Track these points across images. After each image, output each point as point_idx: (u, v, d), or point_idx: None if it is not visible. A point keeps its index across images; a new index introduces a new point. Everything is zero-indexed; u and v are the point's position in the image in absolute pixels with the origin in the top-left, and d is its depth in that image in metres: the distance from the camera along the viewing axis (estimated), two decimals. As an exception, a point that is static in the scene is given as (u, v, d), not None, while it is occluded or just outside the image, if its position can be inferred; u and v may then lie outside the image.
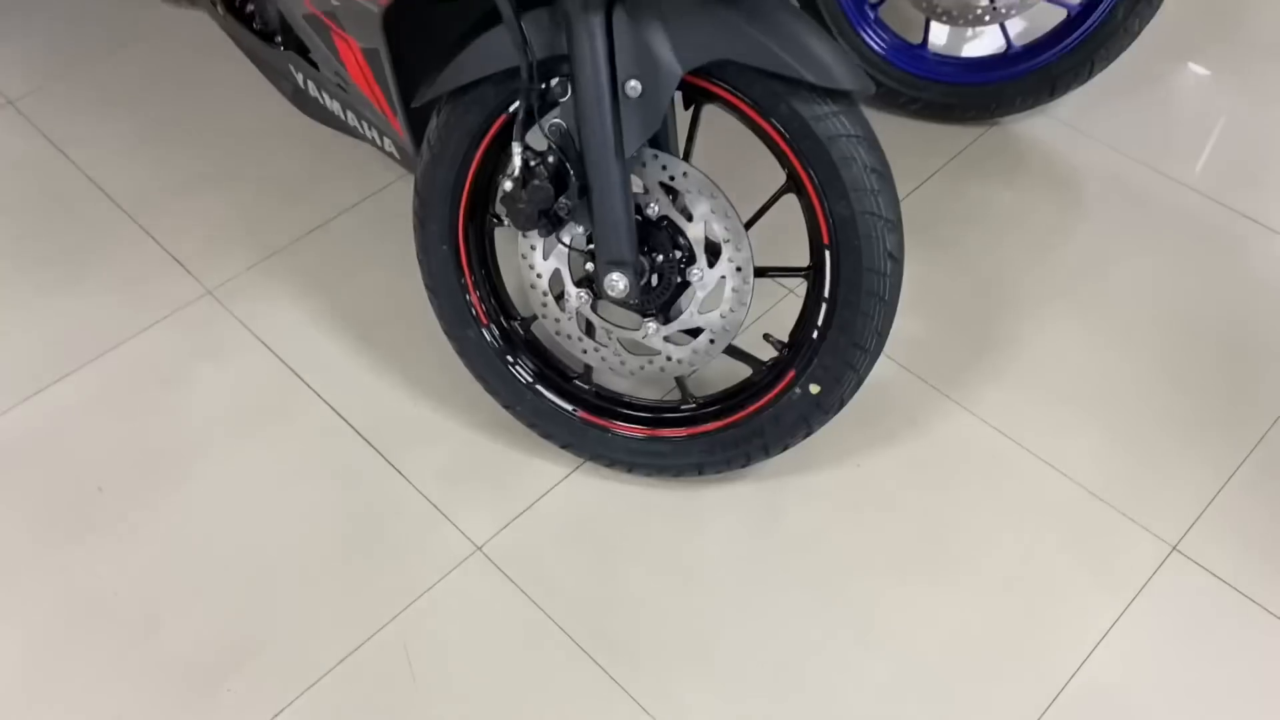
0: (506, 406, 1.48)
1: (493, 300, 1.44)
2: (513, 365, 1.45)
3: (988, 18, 1.82)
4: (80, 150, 1.87)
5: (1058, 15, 1.82)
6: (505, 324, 1.45)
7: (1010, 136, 1.91)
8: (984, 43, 2.01)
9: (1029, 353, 1.60)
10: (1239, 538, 1.40)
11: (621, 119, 1.17)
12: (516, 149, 1.22)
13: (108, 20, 2.09)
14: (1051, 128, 1.92)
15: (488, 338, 1.44)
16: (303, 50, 1.50)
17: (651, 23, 1.13)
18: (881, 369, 1.55)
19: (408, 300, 1.62)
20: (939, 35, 1.94)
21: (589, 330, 1.39)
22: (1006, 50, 1.87)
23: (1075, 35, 1.80)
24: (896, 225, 1.23)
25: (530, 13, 1.17)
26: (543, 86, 1.20)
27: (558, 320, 1.39)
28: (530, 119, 1.21)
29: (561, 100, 1.21)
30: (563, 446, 1.48)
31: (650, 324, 1.34)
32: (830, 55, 1.14)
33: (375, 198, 1.81)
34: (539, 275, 1.36)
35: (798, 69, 1.12)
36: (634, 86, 1.15)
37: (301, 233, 1.75)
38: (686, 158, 1.31)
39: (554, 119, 1.22)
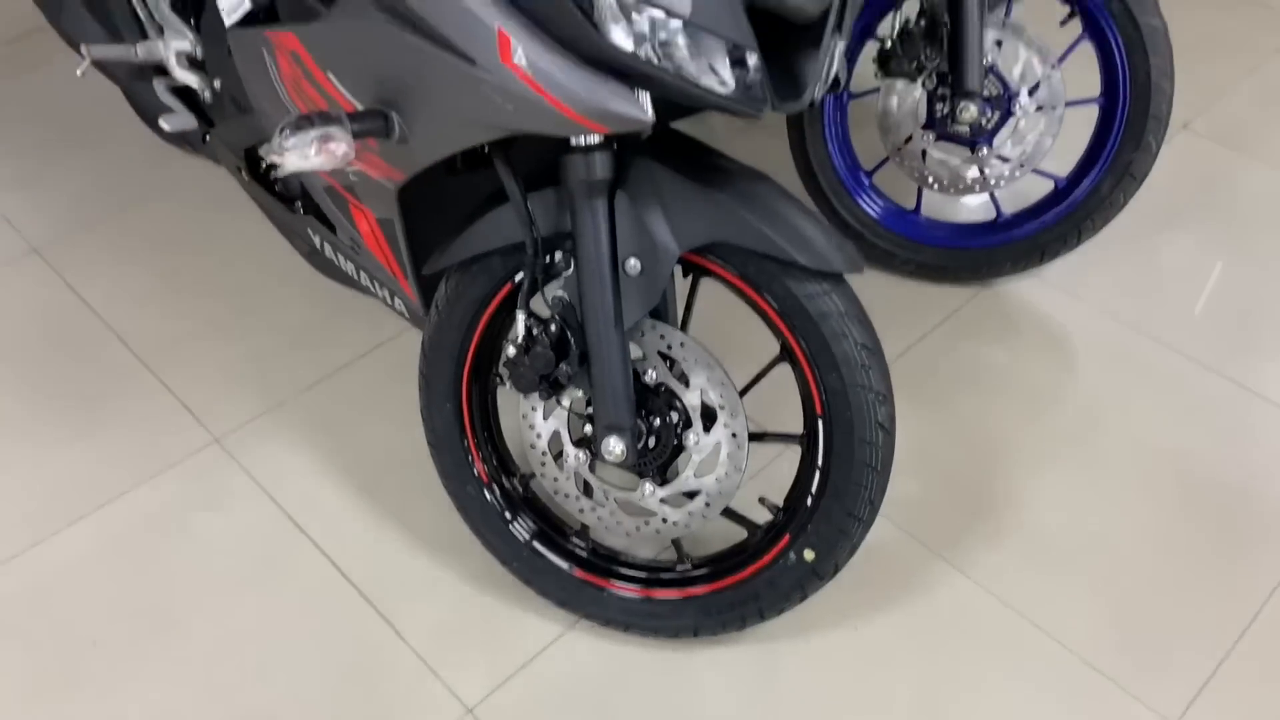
0: (504, 563, 1.49)
1: (494, 458, 1.47)
2: (511, 523, 1.47)
3: (977, 187, 1.90)
4: (100, 298, 1.93)
5: (1046, 185, 1.89)
6: (505, 482, 1.47)
7: (1002, 298, 1.97)
8: (975, 209, 2.09)
9: (1024, 516, 1.61)
10: (1239, 716, 1.38)
11: (621, 294, 1.22)
12: (521, 316, 1.27)
13: (134, 174, 2.18)
14: (1043, 290, 1.97)
15: (488, 496, 1.46)
16: (320, 215, 1.57)
17: (651, 205, 1.19)
18: (878, 530, 1.55)
19: (410, 453, 1.65)
20: (932, 201, 2.02)
21: (587, 490, 1.41)
22: (997, 218, 1.94)
23: (1063, 205, 1.87)
24: (887, 397, 1.26)
25: (537, 192, 1.23)
26: (547, 260, 1.25)
27: (556, 479, 1.41)
28: (534, 289, 1.26)
29: (565, 273, 1.26)
30: (559, 604, 1.48)
31: (647, 485, 1.36)
32: (821, 237, 1.19)
33: (382, 349, 1.85)
34: (539, 435, 1.39)
35: (790, 251, 1.17)
36: (634, 265, 1.20)
37: (310, 382, 1.79)
38: (684, 326, 1.36)
39: (557, 290, 1.27)
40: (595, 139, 1.14)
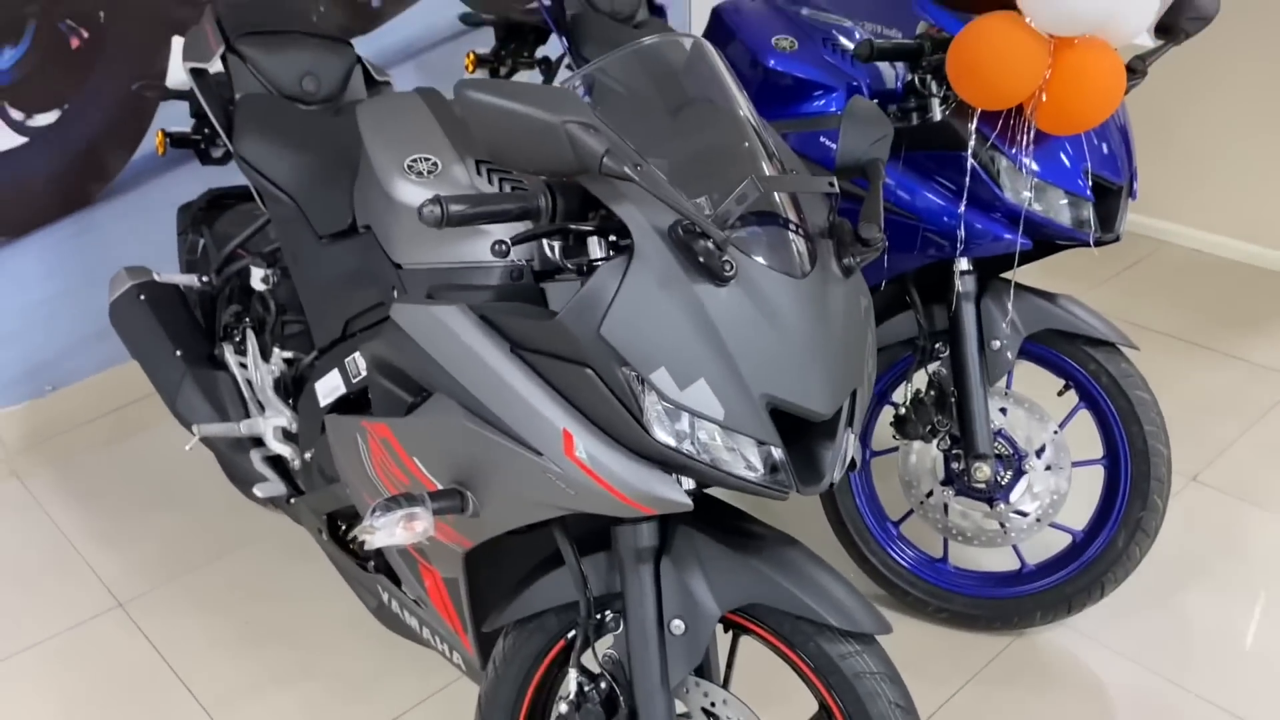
0: None
1: (545, 815, 1.51)
2: None
3: (999, 540, 2.02)
4: (174, 649, 2.05)
5: (1066, 537, 2.01)
6: (555, 840, 1.50)
7: (1035, 648, 2.03)
8: (1002, 559, 2.19)
9: None
10: None
11: (667, 652, 1.32)
12: (573, 674, 1.37)
13: (217, 529, 2.37)
14: (1074, 640, 2.04)
15: None
16: (389, 573, 1.72)
17: (693, 570, 1.32)
18: None
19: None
20: (960, 551, 2.13)
21: None
22: (1021, 569, 2.05)
23: (1083, 559, 1.98)
24: (923, 756, 1.32)
25: (589, 556, 1.37)
26: (599, 617, 1.37)
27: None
28: (586, 646, 1.37)
29: (615, 632, 1.38)
30: None
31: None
32: (850, 600, 1.31)
33: (433, 699, 1.93)
34: (586, 790, 1.44)
35: (821, 613, 1.28)
36: (678, 625, 1.32)
37: (365, 734, 1.86)
38: (726, 683, 1.44)
39: (607, 648, 1.38)
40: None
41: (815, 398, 1.17)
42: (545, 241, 1.26)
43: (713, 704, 1.37)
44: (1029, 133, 1.64)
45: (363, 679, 1.98)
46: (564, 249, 1.25)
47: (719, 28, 2.15)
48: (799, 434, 1.23)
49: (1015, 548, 2.04)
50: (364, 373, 1.67)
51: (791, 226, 1.22)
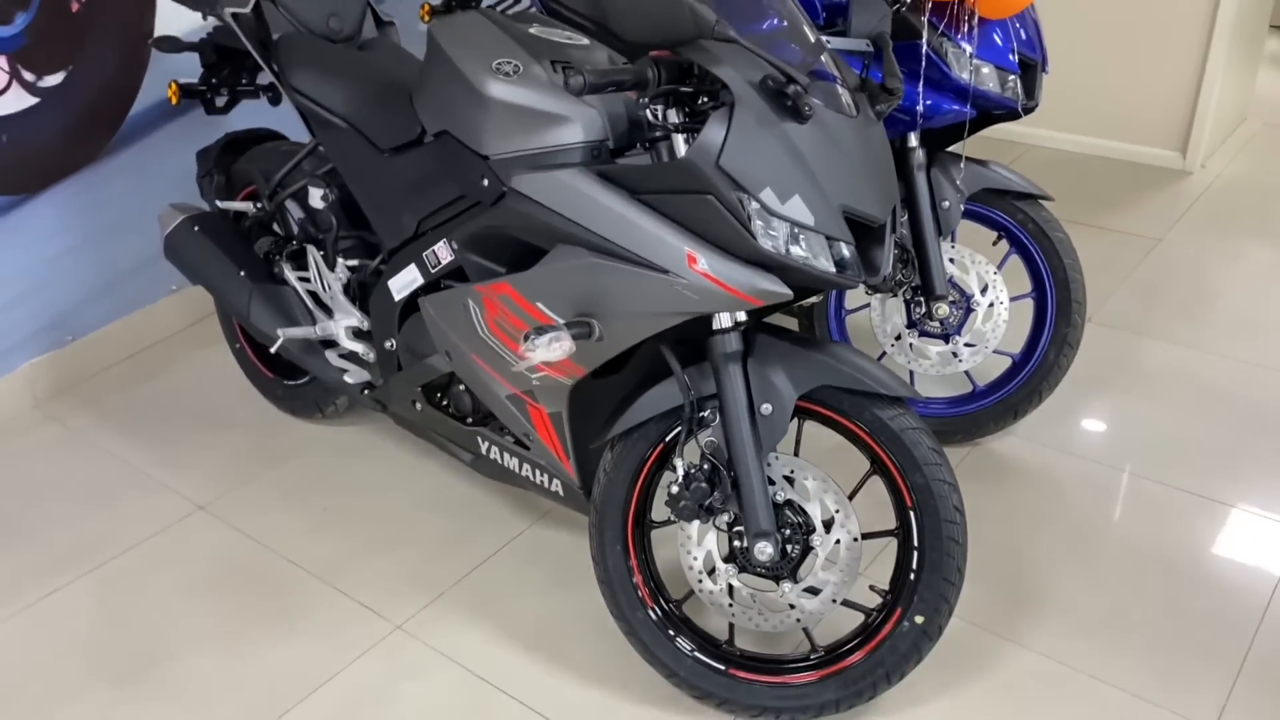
0: (669, 676, 1.84)
1: (653, 585, 1.86)
2: (674, 640, 1.84)
3: (955, 368, 2.47)
4: (267, 535, 2.30)
5: (1006, 361, 2.48)
6: (665, 605, 1.86)
7: (991, 453, 2.49)
8: (957, 384, 2.65)
9: (1054, 602, 2.05)
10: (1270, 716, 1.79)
11: (759, 430, 1.69)
12: (679, 462, 1.73)
13: (262, 443, 2.60)
14: (1021, 444, 2.51)
15: (653, 617, 1.84)
16: (485, 423, 2.04)
17: (773, 365, 1.69)
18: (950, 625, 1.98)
19: (562, 610, 2.02)
20: (923, 381, 2.58)
21: (735, 596, 1.81)
22: (974, 390, 2.50)
23: (1022, 374, 2.45)
24: (957, 487, 1.73)
25: (689, 367, 1.72)
26: (700, 414, 1.73)
27: (711, 592, 1.81)
28: (689, 436, 1.72)
29: (711, 424, 1.73)
30: (719, 705, 1.82)
31: (785, 585, 1.77)
32: (889, 376, 1.70)
33: (518, 540, 2.25)
34: (695, 558, 1.80)
35: (871, 385, 1.67)
36: (766, 408, 1.69)
37: (464, 573, 2.17)
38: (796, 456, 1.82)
39: (708, 437, 1.74)
40: (729, 323, 1.66)
41: (874, 206, 1.56)
42: (650, 109, 1.58)
43: (790, 470, 1.75)
44: (972, 19, 2.07)
45: (445, 538, 2.27)
46: (661, 113, 1.58)
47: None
48: (856, 240, 1.61)
49: (968, 373, 2.50)
50: (445, 260, 1.97)
51: (839, 81, 1.60)
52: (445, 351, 1.97)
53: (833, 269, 1.56)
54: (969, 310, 2.43)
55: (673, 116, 1.58)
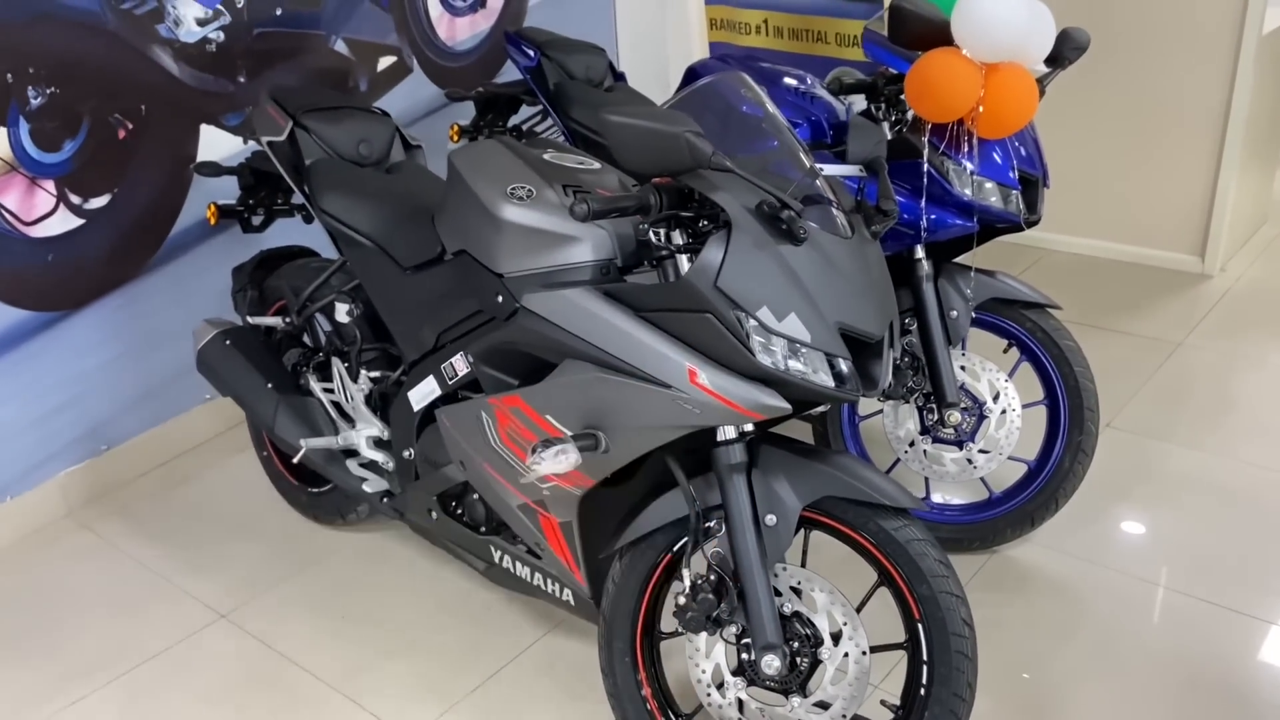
0: (679, 794, 1.82)
1: (662, 699, 1.86)
2: (684, 754, 1.82)
3: (970, 475, 2.47)
4: (285, 645, 2.32)
5: (1021, 468, 2.48)
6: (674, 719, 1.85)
7: (1009, 560, 2.48)
8: (973, 491, 2.65)
9: (1072, 712, 2.01)
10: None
11: (764, 541, 1.71)
12: (686, 573, 1.75)
13: (288, 549, 2.65)
14: (1039, 550, 2.50)
15: (664, 732, 1.83)
16: (499, 534, 2.07)
17: (777, 476, 1.72)
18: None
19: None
20: (939, 488, 2.59)
21: (745, 711, 1.80)
22: (990, 497, 2.50)
23: (1038, 482, 2.45)
24: (965, 600, 1.73)
25: (691, 480, 1.76)
26: (705, 525, 1.75)
27: (720, 706, 1.80)
28: (696, 548, 1.74)
29: (717, 535, 1.76)
30: (729, 823, 1.79)
31: (794, 700, 1.76)
32: (894, 487, 1.72)
33: (528, 653, 2.25)
34: (704, 670, 1.80)
35: (875, 496, 1.69)
36: (770, 519, 1.71)
37: (476, 683, 2.17)
38: (804, 566, 1.83)
39: (714, 548, 1.76)
40: (733, 434, 1.69)
41: (870, 323, 1.61)
42: (651, 233, 1.65)
43: (798, 582, 1.76)
44: (971, 139, 2.14)
45: (464, 647, 2.29)
46: (665, 235, 1.65)
47: (693, 82, 2.61)
48: (857, 354, 1.66)
49: (983, 480, 2.50)
50: (461, 372, 2.03)
51: (833, 204, 1.66)
52: (460, 461, 2.02)
53: (831, 383, 1.60)
54: (982, 417, 2.45)
55: (677, 237, 1.66)
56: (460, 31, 3.75)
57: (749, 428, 1.71)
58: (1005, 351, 2.48)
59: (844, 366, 1.61)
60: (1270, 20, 3.68)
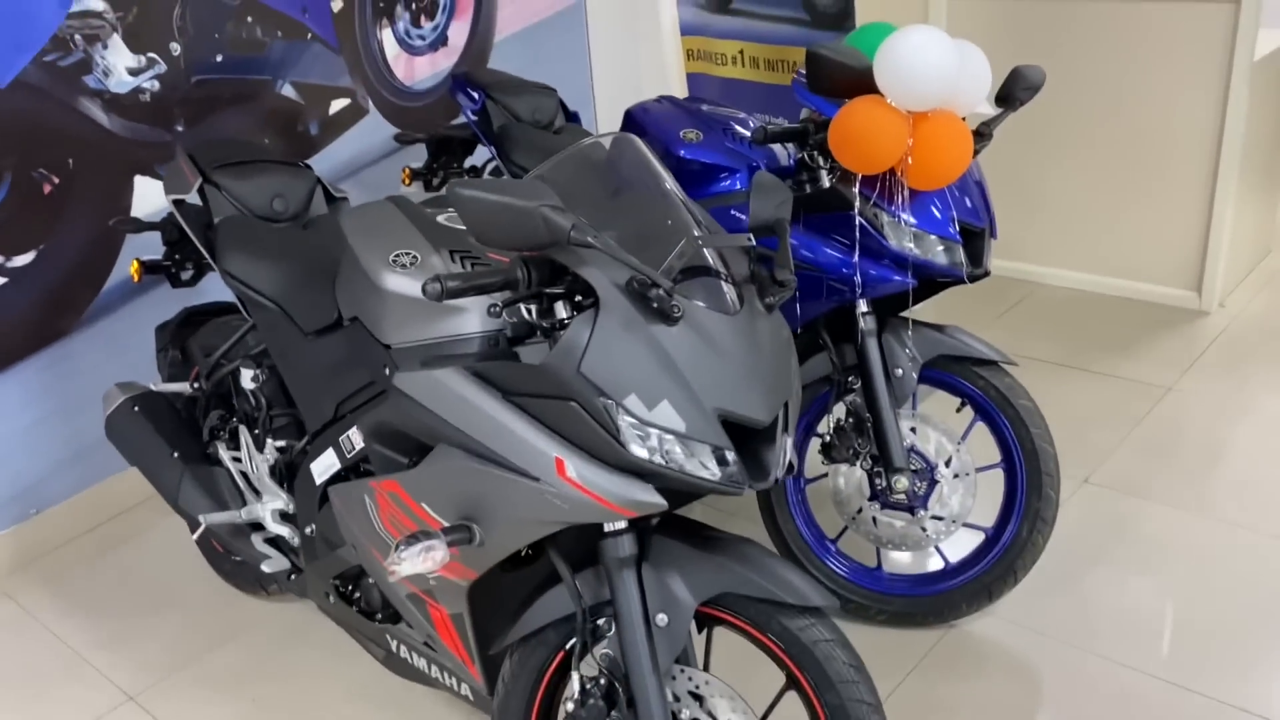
0: None
1: (558, 812, 1.71)
2: None
3: (923, 543, 2.31)
4: (189, 731, 2.20)
5: (979, 535, 2.31)
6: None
7: (966, 636, 2.30)
8: (929, 561, 2.48)
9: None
10: None
11: (655, 643, 1.56)
12: (575, 677, 1.60)
13: (208, 622, 2.53)
14: (998, 625, 2.32)
15: (556, 847, 1.68)
16: (395, 621, 1.93)
17: (670, 570, 1.57)
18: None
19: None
20: (892, 556, 2.42)
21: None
22: (945, 567, 2.33)
23: (995, 551, 2.27)
24: (878, 707, 1.57)
25: (579, 573, 1.61)
26: (594, 624, 1.61)
27: (616, 823, 1.64)
28: (585, 651, 1.60)
29: (609, 635, 1.61)
30: None
31: (694, 816, 1.60)
32: (802, 581, 1.57)
33: (442, 743, 2.12)
34: (599, 782, 1.65)
35: (779, 593, 1.53)
36: (662, 618, 1.56)
37: (381, 780, 2.03)
38: (706, 670, 1.68)
39: (604, 649, 1.61)
40: (623, 524, 1.55)
41: (756, 408, 1.46)
42: (523, 307, 1.53)
43: (697, 686, 1.61)
44: (903, 190, 1.99)
45: (371, 735, 2.15)
46: (538, 311, 1.52)
47: (632, 126, 2.48)
48: (745, 442, 1.51)
49: (938, 548, 2.33)
50: (358, 447, 1.90)
51: (721, 276, 1.52)
52: (352, 544, 1.89)
53: (713, 475, 1.45)
54: (934, 481, 2.29)
55: (561, 310, 1.52)
56: (419, 71, 3.66)
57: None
58: (958, 411, 2.32)
59: (728, 456, 1.46)
60: (1264, 44, 3.49)
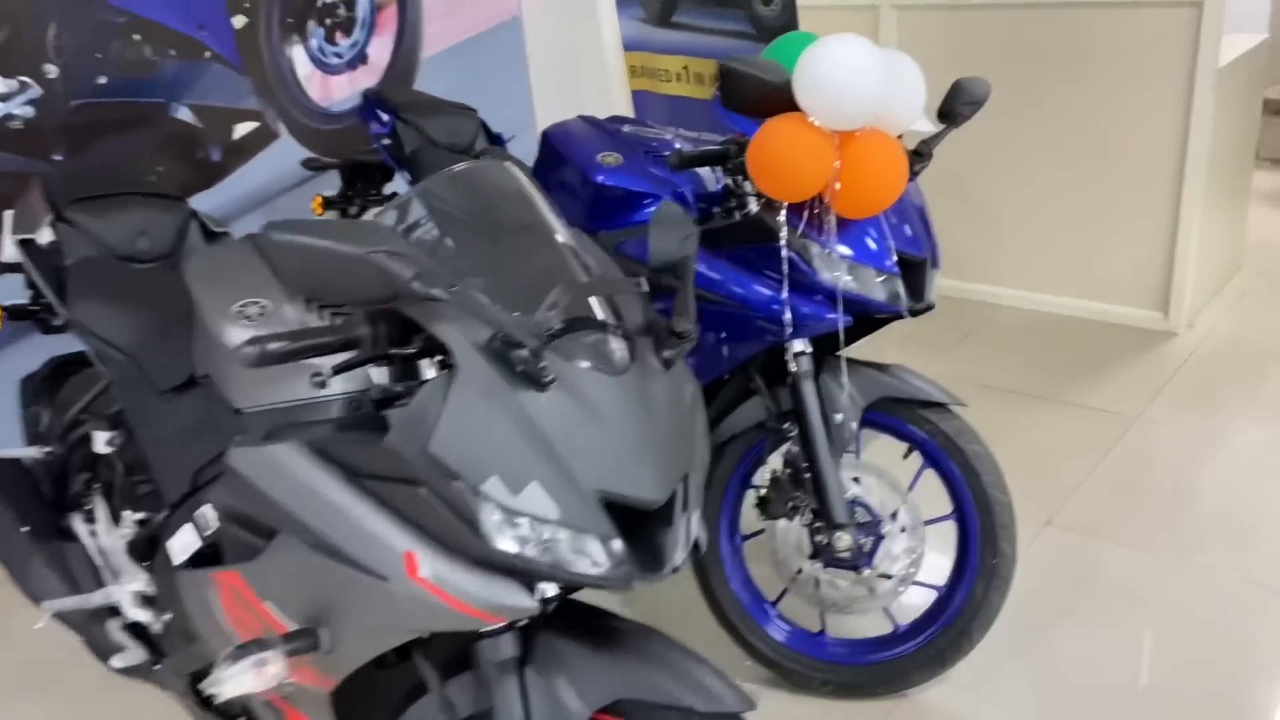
0: None
1: None
2: None
3: (869, 605, 2.08)
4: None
5: (932, 594, 2.09)
6: None
7: (919, 706, 2.08)
8: (876, 624, 2.25)
9: None
10: None
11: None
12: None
13: (85, 708, 2.27)
14: (953, 693, 2.10)
15: None
16: (261, 728, 1.68)
17: (557, 675, 1.33)
18: None
19: None
20: (838, 619, 2.19)
21: None
22: (895, 630, 2.11)
23: (948, 613, 2.05)
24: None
25: (456, 678, 1.37)
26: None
27: None
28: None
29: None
30: None
31: None
32: (714, 682, 1.33)
33: None
34: None
35: (686, 699, 1.30)
36: (548, 728, 1.32)
37: None
38: (607, 784, 1.44)
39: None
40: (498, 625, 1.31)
41: (645, 486, 1.22)
42: (371, 371, 1.29)
43: (593, 807, 1.37)
44: (832, 219, 1.77)
45: (248, 844, 1.89)
46: (394, 374, 1.29)
47: (549, 150, 2.26)
48: (642, 523, 1.28)
49: (886, 610, 2.10)
50: (214, 525, 1.65)
51: (609, 328, 1.28)
52: (204, 638, 1.63)
53: (598, 567, 1.22)
54: (879, 536, 2.06)
55: (428, 371, 1.29)
56: (338, 91, 3.42)
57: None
58: (905, 457, 2.10)
59: (615, 545, 1.23)
60: (1228, 50, 3.31)
